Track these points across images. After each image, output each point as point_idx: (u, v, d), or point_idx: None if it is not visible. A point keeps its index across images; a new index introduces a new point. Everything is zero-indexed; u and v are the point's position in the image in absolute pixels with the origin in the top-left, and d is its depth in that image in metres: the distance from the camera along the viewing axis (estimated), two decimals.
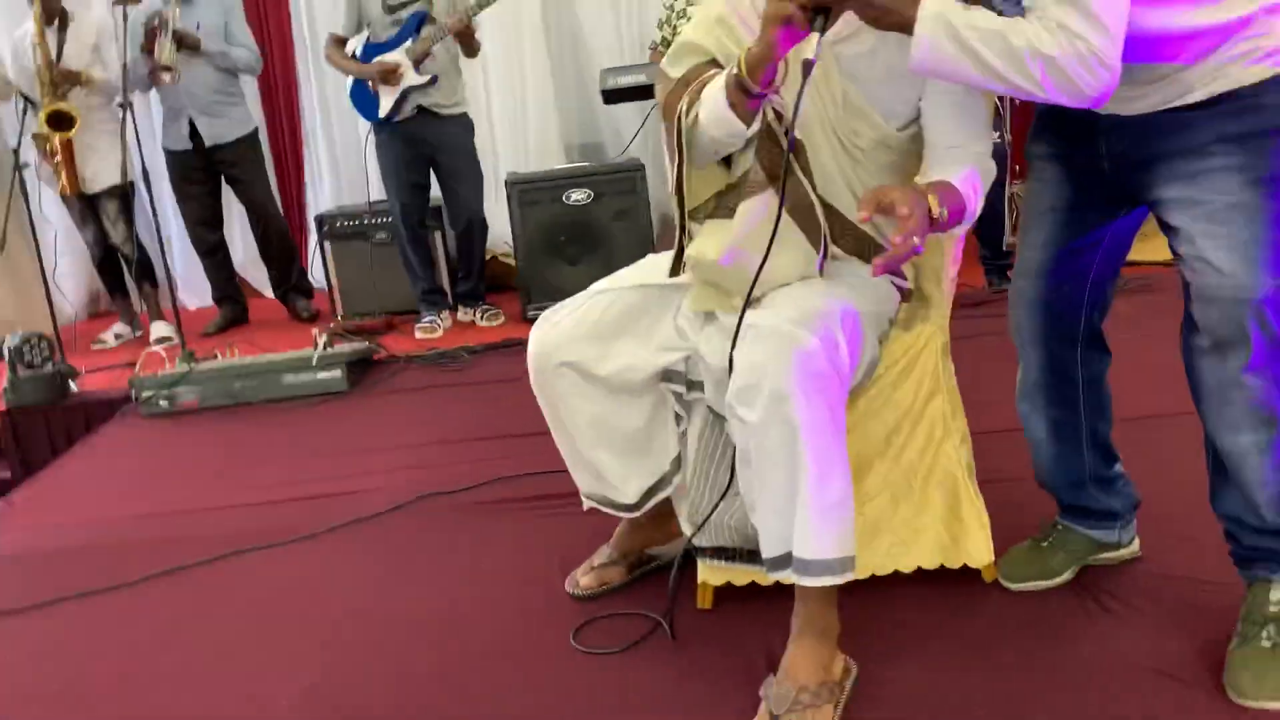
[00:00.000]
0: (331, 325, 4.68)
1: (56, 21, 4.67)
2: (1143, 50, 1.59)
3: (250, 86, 5.20)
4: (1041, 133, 1.89)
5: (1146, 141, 1.68)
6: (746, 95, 1.64)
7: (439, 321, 4.60)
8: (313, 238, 5.31)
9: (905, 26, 1.54)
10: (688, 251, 1.87)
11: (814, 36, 1.54)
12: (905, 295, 1.96)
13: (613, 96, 4.73)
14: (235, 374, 3.82)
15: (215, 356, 4.00)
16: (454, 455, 3.00)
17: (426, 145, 4.40)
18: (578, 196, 4.55)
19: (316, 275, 5.39)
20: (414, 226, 4.54)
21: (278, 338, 4.64)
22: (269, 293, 5.49)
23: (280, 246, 5.16)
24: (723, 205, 1.90)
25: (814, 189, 1.80)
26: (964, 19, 1.50)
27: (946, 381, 1.96)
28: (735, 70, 1.64)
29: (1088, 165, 1.80)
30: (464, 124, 4.48)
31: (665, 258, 1.96)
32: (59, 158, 4.66)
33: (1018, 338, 1.93)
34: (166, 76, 4.59)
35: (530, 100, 5.61)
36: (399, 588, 2.25)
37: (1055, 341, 1.89)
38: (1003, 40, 1.49)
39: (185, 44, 4.63)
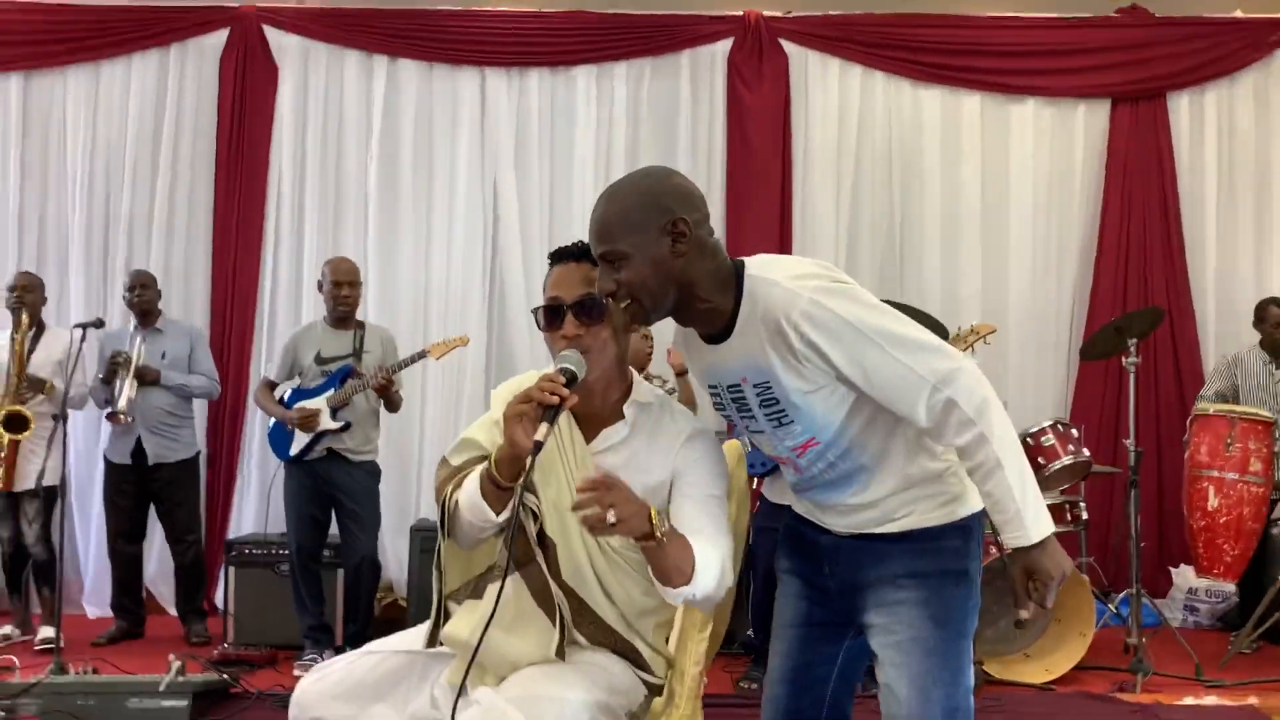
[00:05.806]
0: (216, 652, 4.70)
1: (34, 330, 5.05)
2: (868, 471, 1.81)
3: (201, 408, 5.45)
4: (784, 546, 2.06)
5: (857, 567, 1.85)
6: (495, 487, 1.88)
7: (320, 660, 4.53)
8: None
9: None
10: (443, 629, 2.03)
11: (543, 426, 1.80)
12: (655, 690, 2.04)
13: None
14: (81, 691, 3.76)
15: (94, 670, 3.99)
16: None
17: (330, 485, 4.58)
18: None
19: (221, 599, 5.37)
20: (307, 560, 4.64)
21: (156, 657, 4.58)
22: (173, 610, 5.49)
23: (192, 571, 5.23)
24: (479, 588, 2.07)
25: (556, 575, 1.96)
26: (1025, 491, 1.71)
27: None
28: (488, 465, 1.90)
29: (819, 584, 1.95)
30: (370, 470, 4.69)
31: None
32: (3, 454, 4.85)
33: None
34: (121, 419, 4.81)
35: None
36: None
37: None
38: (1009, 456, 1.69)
39: (144, 380, 4.88)
